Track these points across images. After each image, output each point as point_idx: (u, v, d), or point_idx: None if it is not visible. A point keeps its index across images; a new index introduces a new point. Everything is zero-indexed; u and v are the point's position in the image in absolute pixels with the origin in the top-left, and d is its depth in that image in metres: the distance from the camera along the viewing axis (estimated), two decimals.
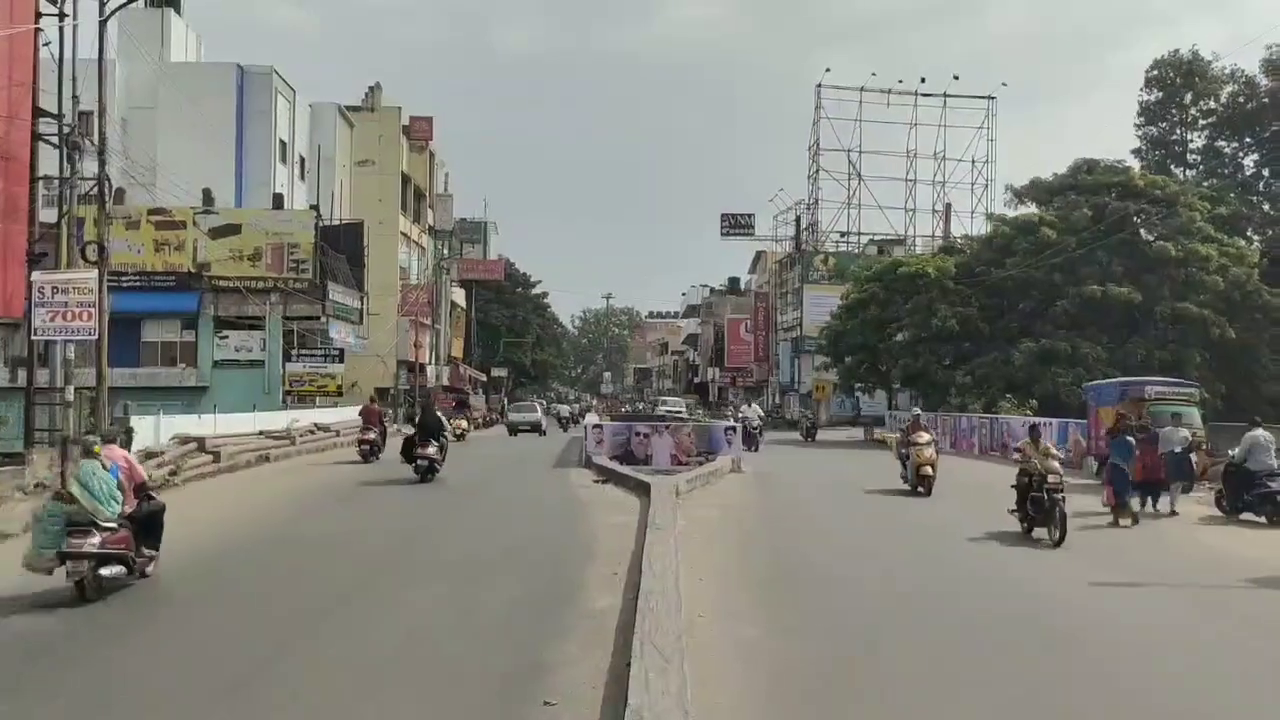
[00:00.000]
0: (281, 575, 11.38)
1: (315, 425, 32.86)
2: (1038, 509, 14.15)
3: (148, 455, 20.44)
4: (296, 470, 23.98)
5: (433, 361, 59.42)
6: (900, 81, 69.74)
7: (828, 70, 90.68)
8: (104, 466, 10.02)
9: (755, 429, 33.98)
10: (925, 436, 20.47)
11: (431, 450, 21.20)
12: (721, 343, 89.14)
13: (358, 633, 8.59)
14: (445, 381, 61.77)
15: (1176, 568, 12.82)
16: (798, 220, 71.81)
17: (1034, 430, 15.76)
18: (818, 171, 70.05)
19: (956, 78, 70.20)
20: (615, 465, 23.17)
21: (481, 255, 75.36)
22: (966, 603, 10.29)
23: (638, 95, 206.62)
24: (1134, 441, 17.32)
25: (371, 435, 26.41)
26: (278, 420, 30.94)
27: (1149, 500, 17.97)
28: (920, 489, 19.68)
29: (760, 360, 79.47)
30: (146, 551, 10.53)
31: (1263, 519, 16.66)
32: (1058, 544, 13.54)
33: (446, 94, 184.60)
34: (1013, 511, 14.80)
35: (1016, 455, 15.55)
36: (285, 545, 13.42)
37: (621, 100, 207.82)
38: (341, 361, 39.60)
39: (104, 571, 9.58)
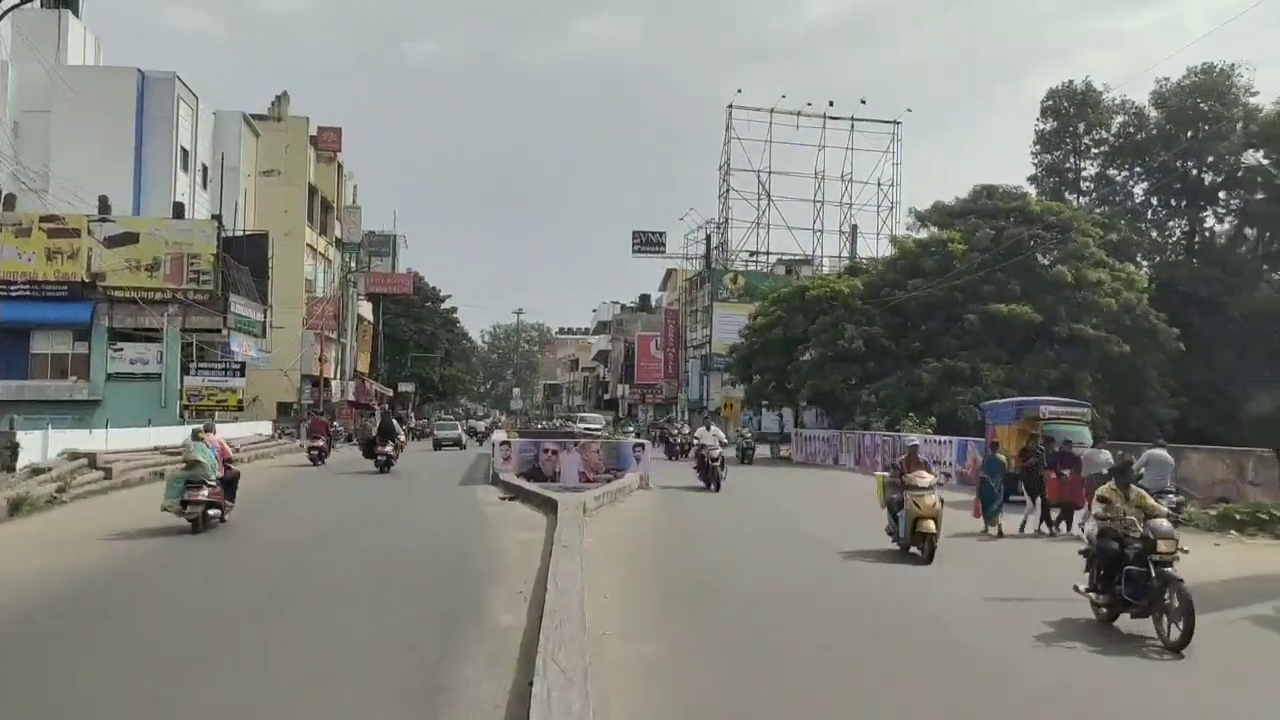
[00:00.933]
0: (172, 600, 11.04)
1: None
2: (1138, 591, 9.63)
3: (34, 471, 19.69)
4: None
5: (338, 376, 58.37)
6: (809, 104, 71.16)
7: (739, 91, 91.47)
8: (207, 446, 16.07)
9: (716, 460, 24.90)
10: (927, 478, 14.82)
11: (389, 449, 28.85)
12: (632, 359, 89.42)
13: (252, 657, 8.36)
14: (350, 396, 60.69)
15: (1058, 577, 13.07)
16: (708, 239, 72.53)
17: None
18: (728, 191, 70.92)
19: (863, 102, 72.27)
20: (523, 482, 23.05)
21: (390, 268, 74.32)
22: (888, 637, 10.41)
23: (551, 111, 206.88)
24: (1003, 460, 19.18)
25: (320, 442, 32.65)
26: (175, 435, 30.02)
27: (1064, 523, 18.14)
28: (916, 551, 14.33)
29: (670, 377, 79.94)
30: (227, 503, 16.36)
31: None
32: (1178, 647, 9.09)
33: (356, 105, 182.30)
34: (1089, 593, 10.34)
35: (1099, 507, 10.72)
36: (170, 570, 13.05)
37: (535, 116, 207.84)
38: (243, 375, 38.64)
39: (210, 513, 15.63)
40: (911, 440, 15.89)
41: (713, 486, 24.54)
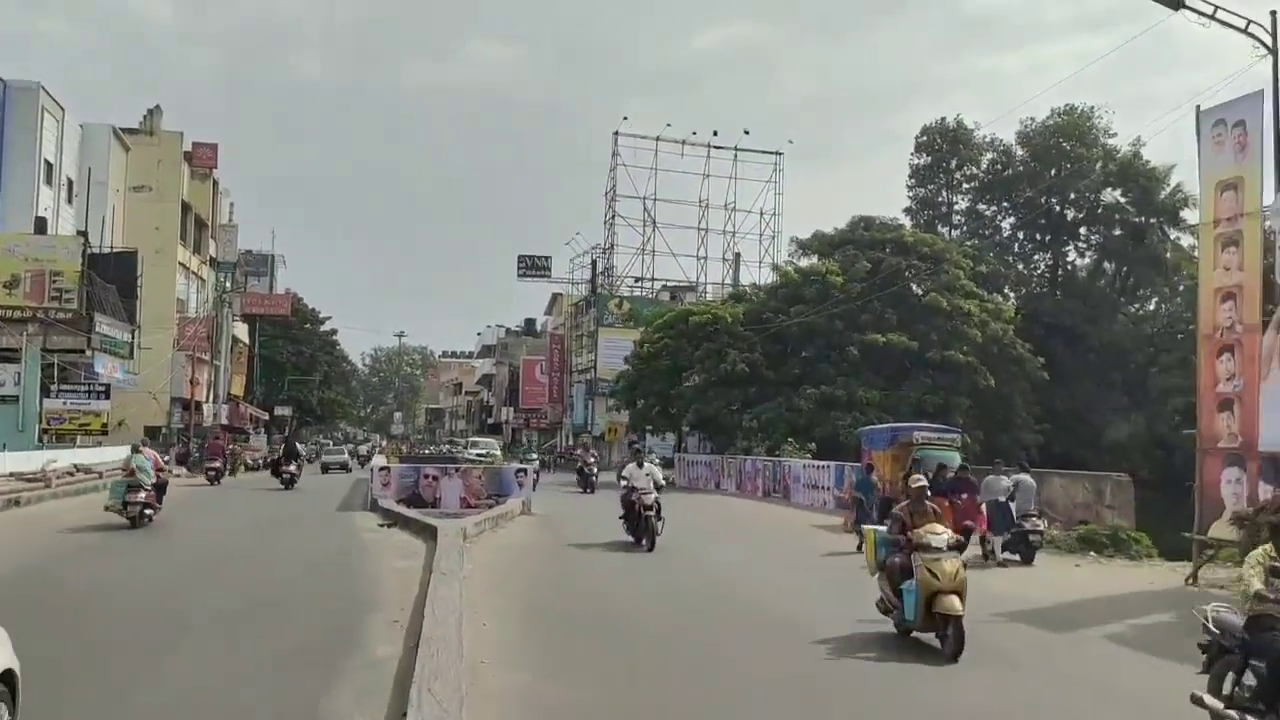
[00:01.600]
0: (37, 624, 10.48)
1: (75, 466, 30.56)
2: None
3: None
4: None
5: (210, 399, 56.46)
6: (694, 133, 72.11)
7: (625, 119, 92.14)
8: (145, 459, 20.29)
9: (650, 509, 18.55)
10: (942, 534, 10.50)
11: (293, 468, 33.56)
12: (516, 383, 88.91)
13: (121, 689, 8.00)
14: (224, 420, 58.73)
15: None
16: (594, 264, 72.84)
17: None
18: (614, 217, 71.38)
19: (747, 133, 72.87)
20: (402, 508, 22.66)
21: (267, 289, 72.38)
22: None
23: (439, 133, 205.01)
24: (876, 481, 20.14)
25: (217, 464, 36.31)
26: (32, 461, 28.63)
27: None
28: (942, 636, 9.93)
29: (555, 402, 79.74)
30: (157, 504, 20.36)
31: (1017, 557, 17.98)
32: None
33: (237, 122, 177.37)
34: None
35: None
36: (47, 593, 12.40)
37: (422, 137, 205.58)
38: (107, 398, 36.99)
39: (147, 512, 19.66)
40: (918, 479, 11.50)
41: (644, 543, 18.17)
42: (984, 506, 18.21)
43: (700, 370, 44.12)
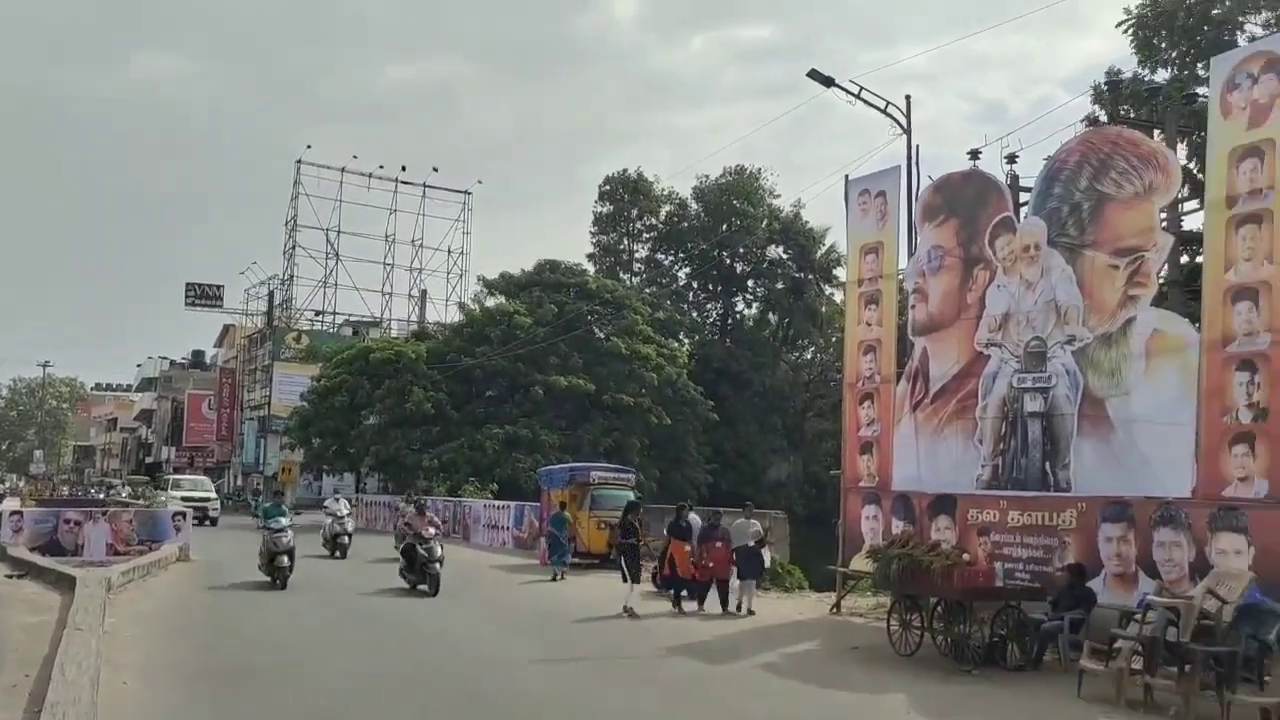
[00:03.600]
0: None
1: None
2: None
3: None
4: None
5: None
6: (382, 167, 70.72)
7: (309, 147, 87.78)
8: None
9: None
10: None
11: None
12: (181, 420, 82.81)
13: None
14: None
15: (618, 642, 13.87)
16: (271, 295, 69.51)
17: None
18: (294, 248, 68.55)
19: (436, 169, 72.80)
20: (36, 557, 20.38)
21: None
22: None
23: (104, 150, 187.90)
24: (568, 518, 21.20)
25: None
26: None
27: (704, 599, 17.08)
28: None
29: (224, 439, 75.02)
30: None
31: (686, 593, 18.77)
32: None
33: None
34: None
35: None
36: None
37: (84, 153, 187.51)
38: None
39: None
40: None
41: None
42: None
43: (382, 409, 43.05)
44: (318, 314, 69.67)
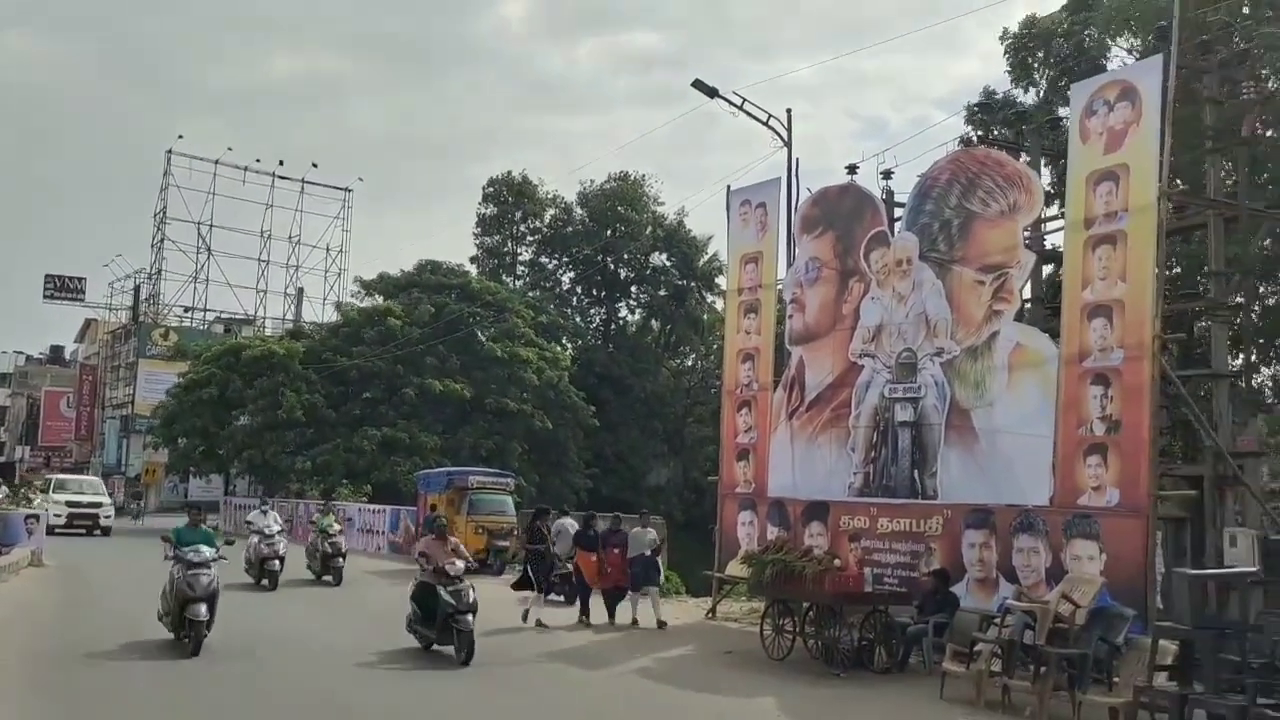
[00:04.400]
0: None
1: None
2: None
3: None
4: None
5: None
6: (258, 160, 68.67)
7: (180, 136, 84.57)
8: None
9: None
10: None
11: None
12: (36, 418, 78.94)
13: None
14: None
15: (488, 649, 13.68)
16: (137, 289, 66.78)
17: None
18: (163, 240, 66.03)
19: (315, 165, 70.50)
20: None
21: None
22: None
23: None
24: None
25: None
26: None
27: (615, 610, 16.50)
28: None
29: (83, 439, 71.77)
30: None
31: (561, 598, 18.76)
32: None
33: None
34: None
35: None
36: None
37: None
38: None
39: None
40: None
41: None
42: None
43: (254, 409, 41.74)
44: (187, 310, 67.31)
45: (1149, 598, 11.31)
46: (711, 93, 20.66)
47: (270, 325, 67.12)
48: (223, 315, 68.32)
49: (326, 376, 42.73)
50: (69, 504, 33.61)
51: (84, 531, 33.17)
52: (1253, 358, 19.22)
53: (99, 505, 35.18)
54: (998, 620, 11.26)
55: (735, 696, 11.33)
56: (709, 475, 23.95)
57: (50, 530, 26.59)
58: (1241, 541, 12.67)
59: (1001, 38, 25.94)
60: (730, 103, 20.49)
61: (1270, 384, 23.03)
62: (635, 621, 16.23)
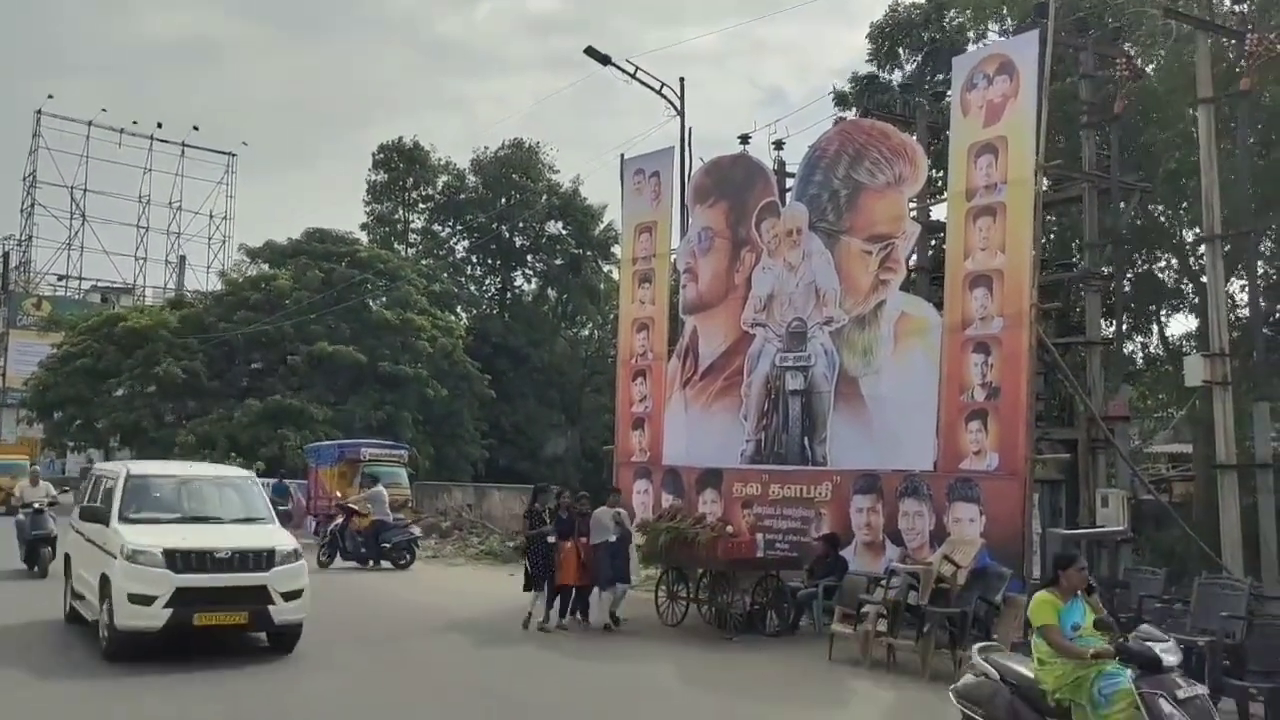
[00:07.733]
0: None
1: None
2: None
3: None
4: None
5: None
6: (135, 123, 65.94)
7: (50, 97, 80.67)
8: None
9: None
10: None
11: None
12: None
13: None
14: None
15: (354, 613, 13.49)
16: (6, 257, 63.71)
17: None
18: (33, 206, 63.07)
19: (196, 129, 68.01)
20: None
21: None
22: None
23: None
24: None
25: None
26: None
27: (579, 611, 13.89)
28: None
29: None
30: None
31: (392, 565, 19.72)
32: None
33: None
34: None
35: None
36: None
37: None
38: None
39: None
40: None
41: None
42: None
43: (130, 379, 40.27)
44: (61, 279, 64.59)
45: (1026, 557, 11.76)
46: (604, 60, 20.54)
47: (151, 294, 64.85)
48: (99, 284, 65.71)
49: (210, 345, 41.42)
50: None
51: None
52: (1124, 326, 20.02)
53: None
54: (883, 582, 11.59)
55: (631, 663, 11.45)
56: (605, 445, 23.99)
57: None
58: (1113, 502, 13.28)
59: (871, 33, 25.18)
60: (624, 70, 20.42)
61: (1140, 351, 24.02)
62: (614, 620, 13.64)
